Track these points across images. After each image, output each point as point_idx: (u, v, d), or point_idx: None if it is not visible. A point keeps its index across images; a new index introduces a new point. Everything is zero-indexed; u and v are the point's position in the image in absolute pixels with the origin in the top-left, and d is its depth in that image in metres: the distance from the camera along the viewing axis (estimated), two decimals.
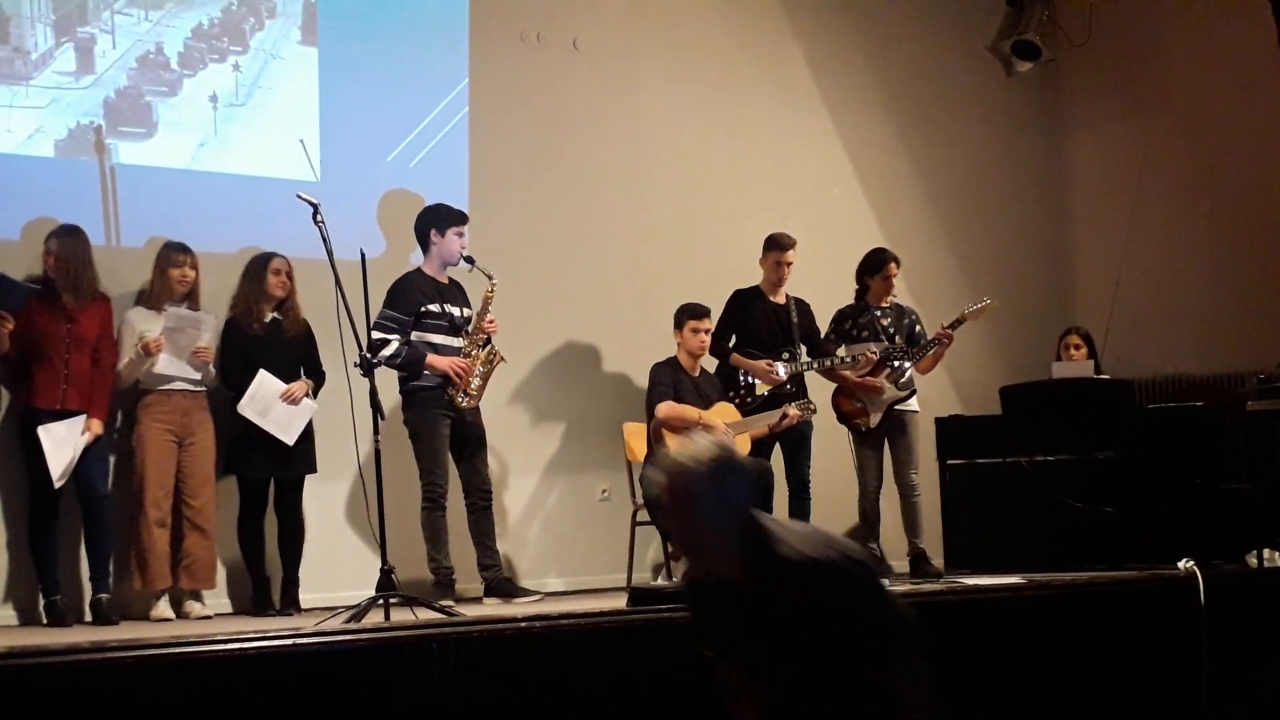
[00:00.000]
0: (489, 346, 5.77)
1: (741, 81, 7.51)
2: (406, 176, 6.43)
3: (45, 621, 5.34)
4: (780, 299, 6.55)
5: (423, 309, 5.73)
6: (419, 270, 5.86)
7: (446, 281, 5.87)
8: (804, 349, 6.52)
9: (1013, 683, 4.61)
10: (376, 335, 5.41)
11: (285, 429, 5.62)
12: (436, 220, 5.85)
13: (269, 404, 5.62)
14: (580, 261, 6.85)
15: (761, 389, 6.28)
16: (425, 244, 5.87)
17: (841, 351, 6.58)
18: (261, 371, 5.63)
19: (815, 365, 6.44)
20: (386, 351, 5.55)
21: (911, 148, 8.04)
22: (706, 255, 7.08)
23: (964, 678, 4.16)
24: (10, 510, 5.47)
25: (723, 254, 7.01)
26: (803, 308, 6.60)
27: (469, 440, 5.79)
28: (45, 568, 5.36)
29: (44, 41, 5.71)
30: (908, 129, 8.03)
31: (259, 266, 5.74)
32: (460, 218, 5.87)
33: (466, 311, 5.86)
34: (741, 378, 6.27)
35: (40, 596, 5.40)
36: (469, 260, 5.77)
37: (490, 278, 5.73)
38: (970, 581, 5.42)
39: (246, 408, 5.59)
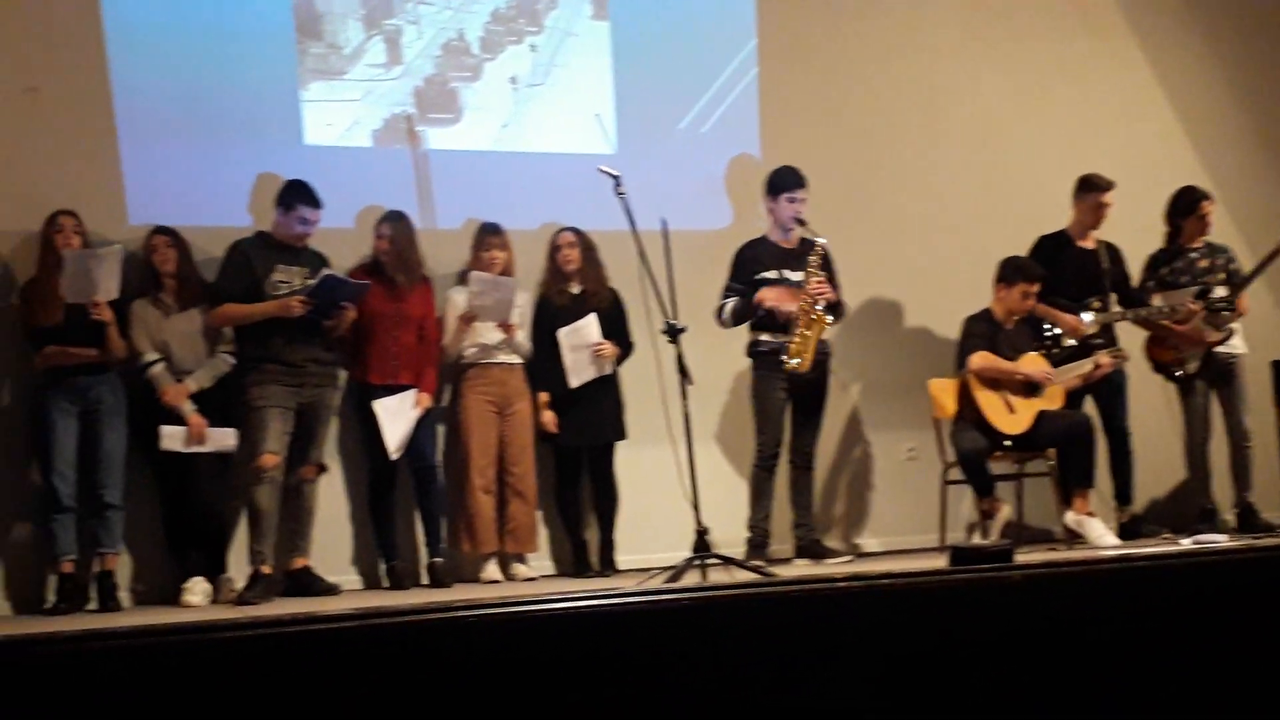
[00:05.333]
0: (816, 311, 5.69)
1: (1040, 16, 7.17)
2: (699, 141, 6.48)
3: (386, 585, 5.70)
4: (1089, 244, 6.25)
5: (757, 276, 5.75)
6: (763, 237, 5.87)
7: (794, 245, 5.83)
8: (1114, 296, 6.21)
9: None
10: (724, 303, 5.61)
11: (577, 373, 5.77)
12: (769, 186, 5.85)
13: (581, 345, 5.77)
14: (876, 215, 6.72)
15: (1068, 340, 6.03)
16: (769, 209, 5.89)
17: (1158, 300, 6.23)
18: (592, 316, 5.78)
19: (1130, 316, 6.12)
20: (726, 311, 5.65)
21: (1234, 79, 7.47)
22: (1006, 202, 6.82)
23: None
24: (351, 481, 5.87)
25: (1023, 200, 6.74)
26: (1114, 253, 6.28)
27: (804, 403, 5.81)
28: (385, 535, 5.74)
29: (355, 36, 6.04)
30: (1229, 58, 7.47)
31: (551, 243, 5.92)
32: (792, 183, 5.81)
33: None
34: (1046, 328, 6.03)
35: (381, 562, 5.78)
36: (800, 223, 5.74)
37: (816, 241, 5.67)
38: None
39: (565, 335, 5.76)
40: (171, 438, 5.30)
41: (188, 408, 5.36)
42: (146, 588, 5.53)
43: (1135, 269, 6.37)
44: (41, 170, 5.49)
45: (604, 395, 5.89)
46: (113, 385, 5.30)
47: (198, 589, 5.29)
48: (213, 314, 5.44)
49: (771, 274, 5.75)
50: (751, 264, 5.77)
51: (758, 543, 5.73)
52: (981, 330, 5.94)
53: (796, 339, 5.61)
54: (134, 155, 5.67)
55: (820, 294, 5.62)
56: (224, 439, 5.40)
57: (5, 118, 5.48)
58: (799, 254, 5.73)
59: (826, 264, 5.74)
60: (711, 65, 6.54)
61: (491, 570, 5.77)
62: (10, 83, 5.51)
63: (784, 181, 5.80)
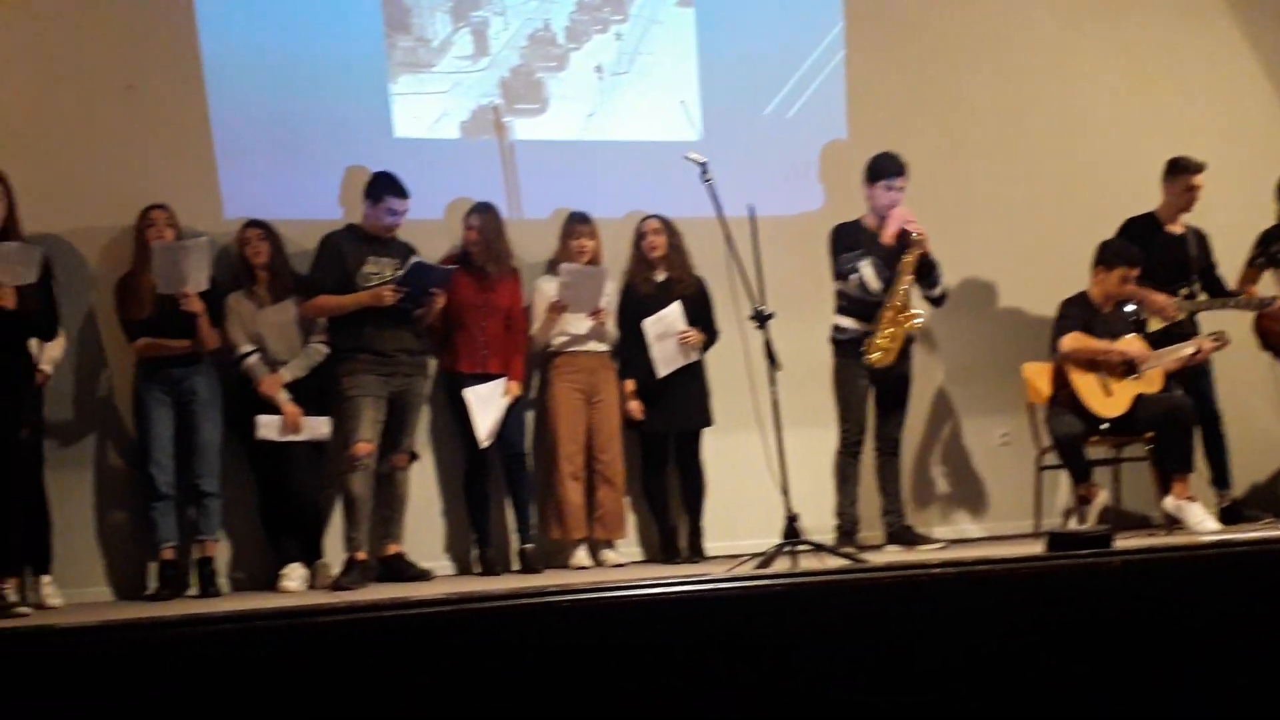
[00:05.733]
0: (906, 308, 5.60)
1: None
2: (785, 126, 6.44)
3: (478, 570, 5.77)
4: (1178, 229, 6.11)
5: (840, 257, 5.69)
6: (857, 221, 5.77)
7: (891, 240, 5.61)
8: (1198, 284, 6.08)
9: None
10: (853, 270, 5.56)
11: (666, 362, 5.77)
12: (869, 171, 5.73)
13: (667, 334, 5.77)
14: (965, 197, 6.62)
15: (1154, 325, 5.91)
16: (867, 195, 5.77)
17: (1269, 279, 6.08)
18: (677, 304, 5.78)
19: (1230, 303, 5.99)
20: (853, 279, 5.58)
21: None
22: (1096, 184, 6.66)
23: None
24: (443, 469, 5.94)
25: (1114, 182, 6.59)
26: (1200, 239, 6.14)
27: (887, 388, 5.75)
28: (477, 521, 5.80)
29: (443, 29, 6.09)
30: None
31: (637, 230, 5.92)
32: (891, 170, 5.68)
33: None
34: (1127, 310, 5.91)
35: (474, 548, 5.84)
36: (893, 214, 5.62)
37: (907, 236, 5.54)
38: None
39: (650, 325, 5.76)
40: (267, 427, 5.40)
41: (283, 397, 5.45)
42: (245, 574, 5.65)
43: (1233, 253, 6.20)
44: (139, 167, 5.62)
45: (690, 382, 5.88)
46: (207, 376, 5.41)
47: (295, 575, 5.39)
48: (306, 306, 5.53)
49: (863, 261, 5.68)
50: (849, 241, 5.69)
51: (846, 529, 5.69)
52: (1076, 313, 5.84)
53: (881, 336, 5.56)
54: (227, 150, 5.78)
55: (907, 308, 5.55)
56: (318, 427, 5.49)
57: (104, 116, 5.63)
58: (894, 250, 5.61)
59: (926, 267, 5.63)
60: (797, 49, 6.49)
61: (581, 556, 5.81)
62: (108, 81, 5.64)
63: (883, 168, 5.69)
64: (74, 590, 5.27)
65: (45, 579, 5.11)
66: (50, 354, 5.17)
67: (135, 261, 5.39)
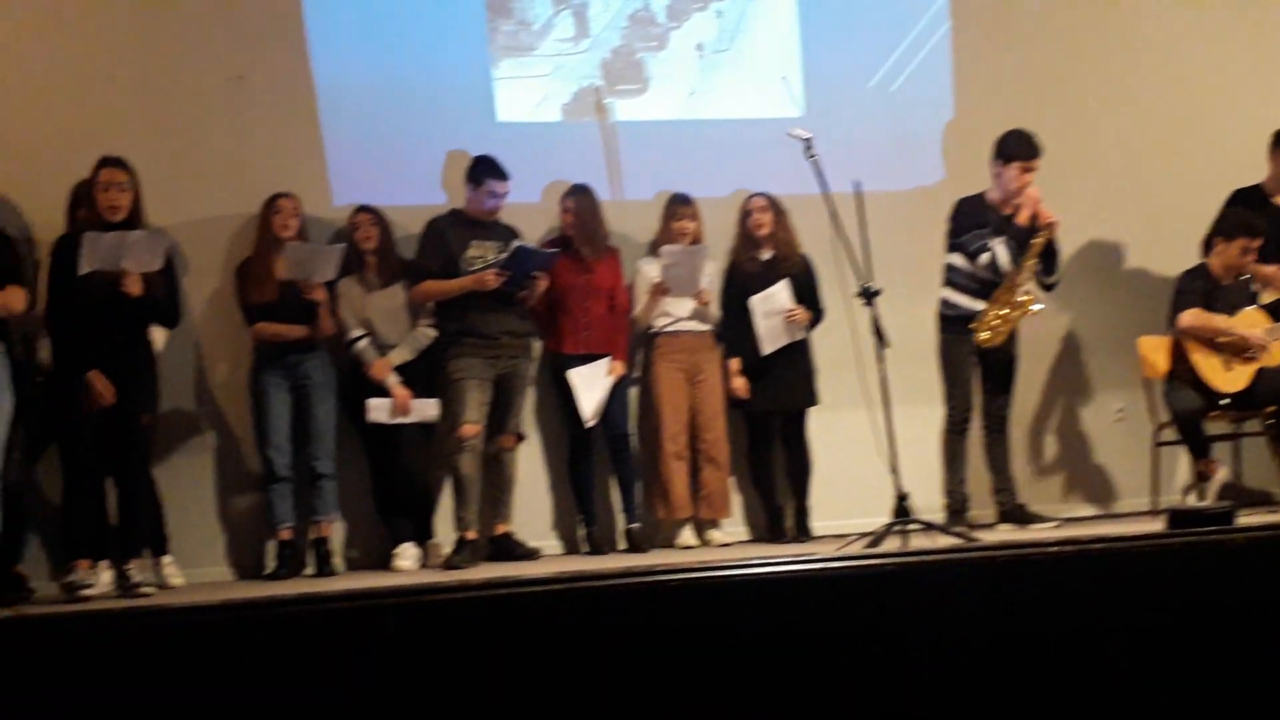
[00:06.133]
0: (1024, 292, 5.50)
1: None
2: (890, 100, 6.35)
3: (585, 550, 5.80)
4: None
5: (967, 233, 5.61)
6: (980, 196, 5.66)
7: (1024, 221, 5.48)
8: None
9: None
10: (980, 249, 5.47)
11: (771, 339, 5.74)
12: (1001, 150, 5.58)
13: (773, 312, 5.74)
14: (1074, 172, 6.43)
15: (1266, 297, 5.72)
16: (996, 174, 5.64)
17: None
18: (784, 282, 5.74)
19: None
20: (985, 257, 5.48)
21: None
22: (1209, 158, 6.44)
23: None
24: (549, 449, 5.98)
25: (1227, 154, 6.35)
26: None
27: (993, 366, 5.66)
28: (583, 501, 5.84)
29: (544, 12, 6.12)
30: None
31: (743, 208, 5.89)
32: (1027, 153, 5.52)
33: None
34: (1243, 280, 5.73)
35: (580, 527, 5.88)
36: (1027, 196, 5.50)
37: (1039, 220, 5.43)
38: None
39: (757, 302, 5.74)
40: (378, 409, 5.49)
41: (392, 380, 5.54)
42: (359, 553, 5.76)
43: None
44: (251, 155, 5.74)
45: (795, 361, 5.84)
46: (322, 360, 5.51)
47: (407, 554, 5.47)
48: (414, 291, 5.61)
49: (996, 240, 5.56)
50: (977, 219, 5.58)
51: (956, 508, 5.61)
52: (1196, 287, 5.67)
53: (994, 317, 5.46)
54: (335, 137, 5.88)
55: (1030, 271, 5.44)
56: (427, 410, 5.56)
57: (216, 106, 5.76)
58: (1026, 232, 5.47)
59: (1049, 253, 5.52)
60: (900, 22, 6.39)
61: (687, 536, 5.82)
62: (219, 72, 5.77)
63: (1020, 150, 5.53)
64: (195, 570, 5.42)
65: (166, 559, 5.26)
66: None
67: (257, 248, 5.50)
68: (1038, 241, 5.44)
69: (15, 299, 4.51)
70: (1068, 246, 6.27)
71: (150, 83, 5.70)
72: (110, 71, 5.65)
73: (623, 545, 5.83)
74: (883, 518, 4.94)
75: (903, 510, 4.85)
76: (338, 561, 5.61)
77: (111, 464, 4.86)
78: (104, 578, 4.86)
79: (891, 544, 4.72)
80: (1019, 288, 5.48)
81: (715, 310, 5.89)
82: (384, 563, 5.53)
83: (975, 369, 5.64)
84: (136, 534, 5.00)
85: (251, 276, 5.46)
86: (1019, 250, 5.47)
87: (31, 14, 5.62)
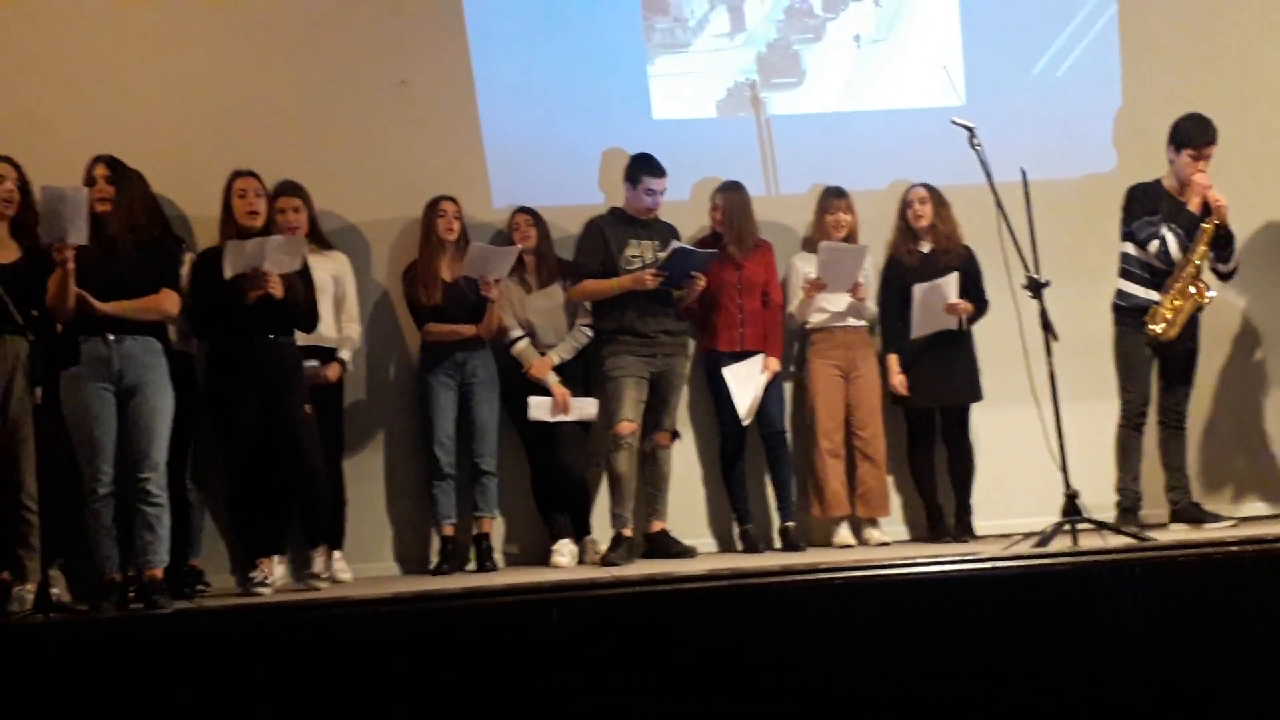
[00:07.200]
0: (1199, 281, 5.31)
1: None
2: (1055, 87, 6.18)
3: (740, 548, 5.77)
4: None
5: (1139, 220, 5.44)
6: (1156, 183, 5.49)
7: (1196, 209, 5.32)
8: None
9: None
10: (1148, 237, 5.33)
11: (921, 325, 5.63)
12: (1173, 136, 5.41)
13: (937, 303, 5.63)
14: (1252, 156, 6.16)
15: None
16: (1170, 160, 5.47)
17: None
18: (955, 275, 5.62)
19: None
20: (1155, 245, 5.34)
21: None
22: None
23: None
24: (704, 447, 5.97)
25: None
26: None
27: (1171, 359, 5.47)
28: (738, 499, 5.81)
29: (700, 8, 6.13)
30: None
31: (903, 199, 5.79)
32: (1203, 139, 5.33)
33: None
34: None
35: (735, 525, 5.85)
36: (1195, 182, 5.31)
37: (1209, 206, 5.25)
38: None
39: (922, 290, 5.62)
40: (538, 408, 5.55)
41: (552, 379, 5.60)
42: (518, 549, 5.83)
43: None
44: (414, 159, 5.86)
45: (957, 356, 5.73)
46: (485, 359, 5.60)
47: (565, 550, 5.52)
48: (573, 290, 5.66)
49: (1166, 228, 5.37)
50: (1149, 205, 5.40)
51: (1128, 506, 5.42)
52: None
53: (1167, 308, 5.26)
54: (494, 140, 5.97)
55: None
56: (586, 408, 5.60)
57: (381, 110, 5.90)
58: (1198, 219, 5.27)
59: (1223, 239, 5.30)
60: (1066, 5, 6.22)
61: (844, 534, 5.74)
62: (384, 76, 5.91)
63: (1196, 136, 5.34)
64: (362, 565, 5.56)
65: (337, 554, 5.40)
66: (348, 335, 5.46)
67: (422, 250, 5.62)
68: (1207, 228, 5.23)
69: (170, 302, 4.68)
70: (1244, 238, 6.02)
71: (316, 89, 5.86)
72: (277, 79, 5.83)
73: (778, 544, 5.78)
74: (1047, 517, 4.79)
75: (1072, 508, 4.69)
76: (498, 557, 5.68)
77: (285, 462, 5.00)
78: (278, 571, 5.02)
79: (1060, 543, 4.58)
80: (1192, 277, 5.27)
81: (872, 306, 5.80)
82: (542, 559, 5.59)
83: (1152, 362, 5.44)
84: (317, 527, 5.16)
85: (418, 278, 5.57)
86: (1189, 238, 5.26)
87: (199, 23, 5.82)
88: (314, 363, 5.24)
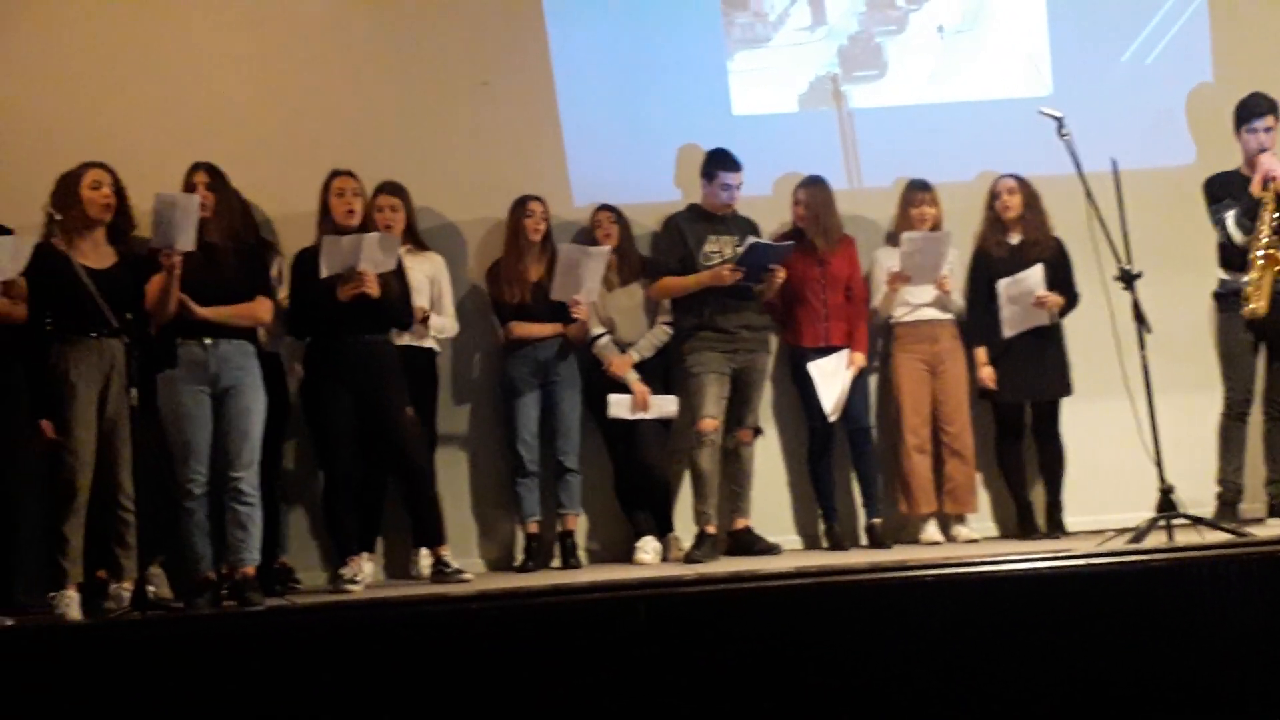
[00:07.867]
0: (1268, 249, 5.18)
1: None
2: (1145, 74, 6.05)
3: (826, 545, 5.73)
4: None
5: (1211, 207, 5.33)
6: (1235, 170, 5.37)
7: (1260, 189, 5.16)
8: None
9: None
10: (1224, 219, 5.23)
11: (1013, 323, 5.54)
12: (1236, 115, 5.33)
13: (1022, 296, 5.54)
14: None
15: None
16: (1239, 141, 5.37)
17: None
18: (1039, 267, 5.54)
19: None
20: (1229, 224, 5.22)
21: None
22: None
23: None
24: (788, 444, 5.93)
25: None
26: None
27: (1275, 347, 5.32)
28: (824, 496, 5.76)
29: (780, 2, 6.08)
30: None
31: (991, 191, 5.71)
32: (1252, 112, 5.26)
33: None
34: None
35: (820, 522, 5.81)
36: (1259, 160, 5.18)
37: (1269, 182, 5.10)
38: None
39: (1006, 285, 5.55)
40: (619, 405, 5.56)
41: (633, 377, 5.60)
42: (601, 546, 5.85)
43: None
44: (496, 158, 5.90)
45: (1047, 349, 5.63)
46: (568, 358, 5.62)
47: (648, 547, 5.52)
48: (652, 288, 5.65)
49: (1229, 211, 5.24)
50: (1220, 190, 5.28)
51: (1229, 499, 5.29)
52: None
53: (1252, 283, 5.12)
54: (575, 138, 5.98)
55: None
56: (666, 405, 5.60)
57: (463, 111, 5.95)
58: (1255, 197, 5.14)
59: None
60: None
61: (931, 531, 5.67)
62: (466, 77, 5.96)
63: (1245, 109, 5.29)
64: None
65: (423, 552, 5.45)
66: (440, 325, 5.50)
67: (508, 248, 5.65)
68: (1266, 197, 5.08)
69: (264, 309, 4.76)
70: None
71: (399, 92, 5.93)
72: (359, 82, 5.91)
73: (864, 541, 5.73)
74: (1141, 513, 4.69)
75: (1168, 504, 4.59)
76: (581, 554, 5.70)
77: (388, 464, 5.04)
78: (366, 569, 5.08)
79: (1155, 540, 4.48)
80: (1265, 247, 5.10)
81: (958, 298, 5.73)
82: (624, 556, 5.60)
83: (1256, 348, 5.30)
84: (424, 527, 5.19)
85: (504, 277, 5.60)
86: (1249, 218, 5.13)
87: (280, 30, 5.92)
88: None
